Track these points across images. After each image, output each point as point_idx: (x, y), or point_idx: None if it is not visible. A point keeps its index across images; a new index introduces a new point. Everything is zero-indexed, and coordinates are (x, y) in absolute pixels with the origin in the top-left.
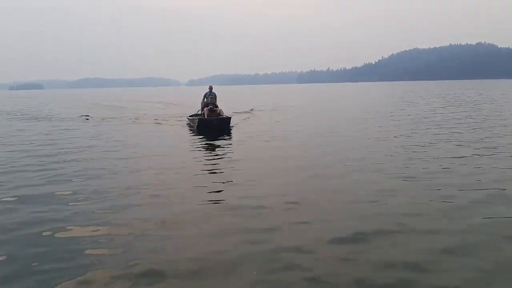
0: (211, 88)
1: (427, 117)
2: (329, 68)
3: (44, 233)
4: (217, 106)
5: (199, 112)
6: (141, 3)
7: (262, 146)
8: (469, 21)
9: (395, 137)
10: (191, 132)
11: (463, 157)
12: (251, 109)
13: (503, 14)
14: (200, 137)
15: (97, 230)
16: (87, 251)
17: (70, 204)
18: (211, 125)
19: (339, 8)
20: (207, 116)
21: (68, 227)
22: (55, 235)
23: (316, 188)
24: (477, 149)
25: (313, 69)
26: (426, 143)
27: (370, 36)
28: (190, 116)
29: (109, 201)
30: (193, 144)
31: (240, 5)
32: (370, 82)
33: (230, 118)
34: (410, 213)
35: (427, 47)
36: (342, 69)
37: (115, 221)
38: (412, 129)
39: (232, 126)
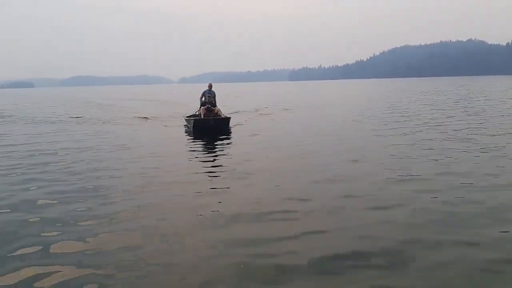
0: (210, 86)
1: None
2: (321, 65)
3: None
4: (215, 106)
5: (197, 112)
6: (133, 2)
7: (263, 149)
8: (459, 18)
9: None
10: (187, 134)
11: None
12: (256, 110)
13: (493, 11)
14: (196, 139)
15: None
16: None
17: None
18: (208, 126)
19: (330, 6)
20: (203, 116)
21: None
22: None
23: (325, 196)
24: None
25: (305, 66)
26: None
27: (362, 34)
28: (187, 116)
29: (93, 213)
30: (187, 147)
31: (234, 4)
32: (362, 79)
33: (229, 118)
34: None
35: (418, 44)
36: (334, 66)
37: (102, 234)
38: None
39: (232, 127)
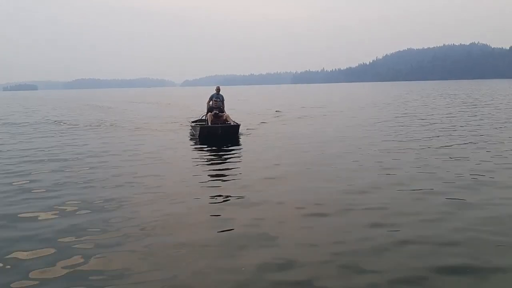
0: (218, 90)
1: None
2: (323, 68)
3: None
4: (223, 111)
5: (203, 117)
6: (136, 4)
7: (278, 159)
8: (462, 21)
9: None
10: (193, 141)
11: None
12: (277, 110)
13: (497, 15)
14: (202, 147)
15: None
16: None
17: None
18: (216, 134)
19: (334, 9)
20: (211, 123)
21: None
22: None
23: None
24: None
25: (307, 70)
26: None
27: (365, 37)
28: (193, 121)
29: (88, 232)
30: (192, 156)
31: (236, 7)
32: (365, 83)
33: (238, 126)
34: None
35: (421, 47)
36: (337, 69)
37: (109, 254)
38: None
39: (241, 135)
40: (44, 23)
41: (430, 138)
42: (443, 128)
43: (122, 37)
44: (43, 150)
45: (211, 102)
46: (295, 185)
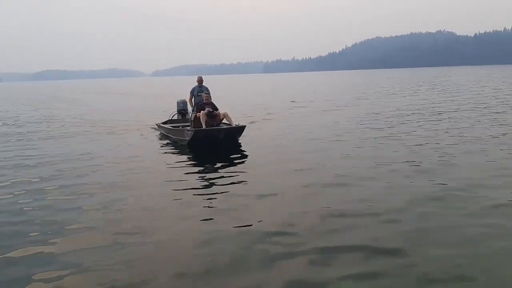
0: (200, 81)
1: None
2: (294, 57)
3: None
4: (217, 109)
5: (174, 117)
6: None
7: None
8: (428, 9)
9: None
10: (175, 148)
11: None
12: (292, 100)
13: (461, 2)
14: (190, 155)
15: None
16: None
17: None
18: (215, 138)
19: None
20: (206, 125)
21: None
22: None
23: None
24: None
25: (278, 59)
26: None
27: (334, 25)
28: (163, 123)
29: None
30: (181, 171)
31: None
32: (336, 71)
33: (244, 127)
34: None
35: (389, 36)
36: (307, 58)
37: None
38: None
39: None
40: (7, 14)
41: None
42: None
43: (89, 27)
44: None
45: (193, 98)
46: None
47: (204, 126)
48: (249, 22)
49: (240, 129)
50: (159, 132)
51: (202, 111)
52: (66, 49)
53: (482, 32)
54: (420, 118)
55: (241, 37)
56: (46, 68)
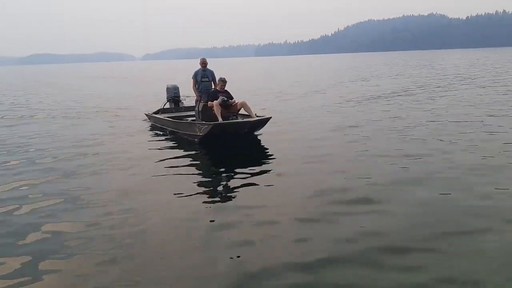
0: (204, 63)
1: None
2: (286, 40)
3: None
4: (232, 97)
5: (167, 106)
6: None
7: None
8: None
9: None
10: (175, 142)
11: None
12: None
13: None
14: (204, 152)
15: None
16: None
17: None
18: (236, 134)
19: None
20: (222, 118)
21: None
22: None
23: None
24: None
25: (270, 42)
26: None
27: (326, 8)
28: (154, 113)
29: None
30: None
31: None
32: (329, 54)
33: (269, 118)
34: None
35: (382, 18)
36: (300, 41)
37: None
38: None
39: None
40: None
41: None
42: None
43: (79, 10)
44: None
45: (197, 85)
46: None
47: (220, 119)
48: (240, 4)
49: (264, 121)
50: (150, 123)
51: (215, 101)
52: (55, 33)
53: (474, 15)
54: None
55: (233, 20)
56: (35, 52)
